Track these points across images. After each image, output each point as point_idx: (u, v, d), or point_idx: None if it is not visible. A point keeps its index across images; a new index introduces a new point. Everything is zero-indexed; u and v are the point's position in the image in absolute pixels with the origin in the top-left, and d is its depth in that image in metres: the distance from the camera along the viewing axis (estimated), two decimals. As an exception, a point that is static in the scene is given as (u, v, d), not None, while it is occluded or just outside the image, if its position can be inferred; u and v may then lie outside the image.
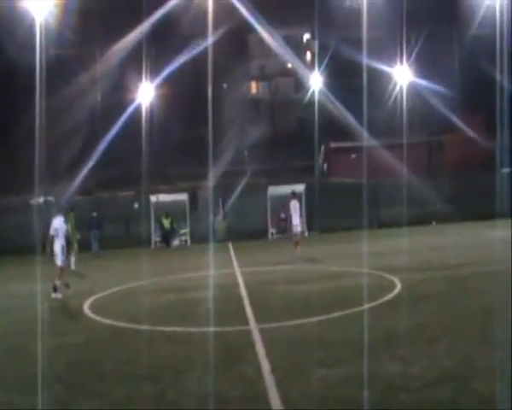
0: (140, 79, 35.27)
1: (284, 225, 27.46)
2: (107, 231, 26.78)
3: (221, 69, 36.98)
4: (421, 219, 28.49)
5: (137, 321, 10.75)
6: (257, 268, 18.00)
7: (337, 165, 41.48)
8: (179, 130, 34.98)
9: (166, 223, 28.78)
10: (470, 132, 36.17)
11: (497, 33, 34.58)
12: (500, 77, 34.15)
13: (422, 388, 6.33)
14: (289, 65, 52.72)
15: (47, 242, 14.14)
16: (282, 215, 27.59)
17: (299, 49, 52.90)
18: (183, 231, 29.39)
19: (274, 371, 7.10)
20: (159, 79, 36.24)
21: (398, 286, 12.44)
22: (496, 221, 25.10)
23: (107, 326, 10.64)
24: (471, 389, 6.23)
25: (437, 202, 28.50)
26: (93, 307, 12.43)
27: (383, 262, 16.27)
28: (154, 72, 35.79)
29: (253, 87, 54.88)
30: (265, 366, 7.36)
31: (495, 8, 35.16)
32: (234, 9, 34.94)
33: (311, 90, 40.62)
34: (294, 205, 20.06)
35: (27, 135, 22.56)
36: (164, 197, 29.80)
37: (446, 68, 39.43)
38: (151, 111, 35.92)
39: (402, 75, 37.91)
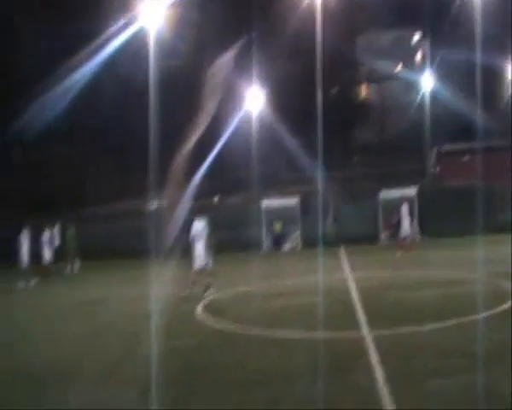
0: (249, 86, 36.24)
1: (395, 230, 27.25)
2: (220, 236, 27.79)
3: (330, 74, 37.25)
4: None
5: (248, 325, 11.01)
6: (368, 273, 17.98)
7: (449, 167, 40.31)
8: (290, 135, 35.68)
9: (278, 227, 29.61)
10: None
11: None
12: None
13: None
14: (399, 66, 51.91)
15: (181, 245, 14.57)
16: (394, 219, 27.40)
17: (409, 49, 52.00)
18: (294, 235, 30.04)
19: (388, 380, 6.99)
20: (268, 85, 37.05)
21: (515, 295, 11.90)
22: None
23: (218, 330, 10.99)
24: None
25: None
26: (206, 310, 12.96)
27: (498, 269, 15.39)
28: (263, 78, 36.61)
29: (363, 91, 54.54)
30: (379, 375, 7.24)
31: None
32: (342, 11, 35.10)
33: (421, 92, 39.93)
34: (406, 209, 20.01)
35: (141, 143, 24.22)
36: (275, 202, 30.63)
37: None
38: (260, 118, 36.76)
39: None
